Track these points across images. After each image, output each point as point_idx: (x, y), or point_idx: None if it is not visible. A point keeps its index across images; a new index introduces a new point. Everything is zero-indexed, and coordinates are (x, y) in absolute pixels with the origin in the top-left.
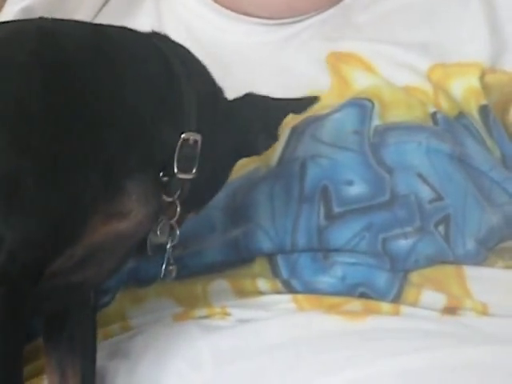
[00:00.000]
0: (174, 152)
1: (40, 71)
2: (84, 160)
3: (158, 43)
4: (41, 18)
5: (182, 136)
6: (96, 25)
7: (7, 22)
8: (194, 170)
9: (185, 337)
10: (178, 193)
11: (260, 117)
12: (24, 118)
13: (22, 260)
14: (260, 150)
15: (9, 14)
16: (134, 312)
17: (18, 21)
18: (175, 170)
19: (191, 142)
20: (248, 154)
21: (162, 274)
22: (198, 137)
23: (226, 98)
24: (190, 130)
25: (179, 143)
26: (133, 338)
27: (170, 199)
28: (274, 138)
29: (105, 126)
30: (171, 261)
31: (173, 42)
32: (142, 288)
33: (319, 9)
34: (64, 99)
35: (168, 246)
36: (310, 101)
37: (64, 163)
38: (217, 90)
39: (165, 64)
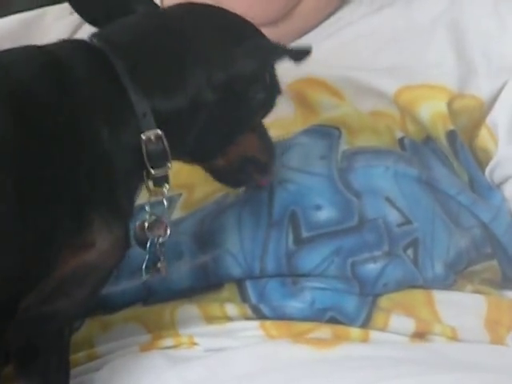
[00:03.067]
0: (143, 156)
1: (4, 109)
2: (54, 198)
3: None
4: None
5: (142, 138)
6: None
7: None
8: (168, 164)
9: (151, 369)
10: (167, 187)
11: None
12: None
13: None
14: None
15: None
16: (102, 339)
17: None
18: (152, 172)
19: (153, 139)
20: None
21: (148, 273)
22: (158, 132)
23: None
24: (149, 129)
25: (143, 146)
26: (99, 369)
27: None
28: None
29: (70, 162)
30: (161, 257)
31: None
32: (111, 314)
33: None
34: (32, 138)
35: (160, 241)
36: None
37: (35, 202)
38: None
39: (108, 76)
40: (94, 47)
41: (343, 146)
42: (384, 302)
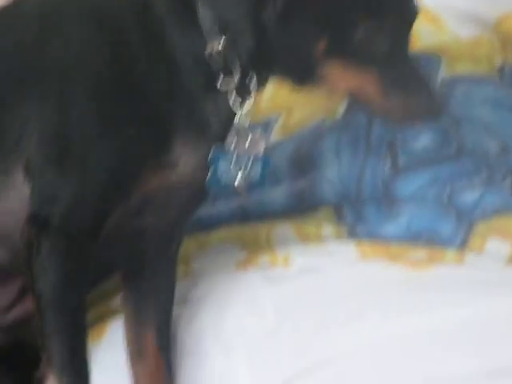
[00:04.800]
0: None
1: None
2: (133, 117)
3: None
4: None
5: (206, 51)
6: None
7: None
8: (236, 73)
9: (247, 286)
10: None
11: None
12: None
13: (79, 216)
14: None
15: None
16: (198, 256)
17: None
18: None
19: (215, 50)
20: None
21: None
22: (221, 39)
23: None
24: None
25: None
26: (195, 284)
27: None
28: None
29: (149, 75)
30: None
31: None
32: (207, 232)
33: None
34: (121, 61)
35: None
36: None
37: (114, 121)
38: None
39: None
40: None
41: (443, 73)
42: (480, 226)
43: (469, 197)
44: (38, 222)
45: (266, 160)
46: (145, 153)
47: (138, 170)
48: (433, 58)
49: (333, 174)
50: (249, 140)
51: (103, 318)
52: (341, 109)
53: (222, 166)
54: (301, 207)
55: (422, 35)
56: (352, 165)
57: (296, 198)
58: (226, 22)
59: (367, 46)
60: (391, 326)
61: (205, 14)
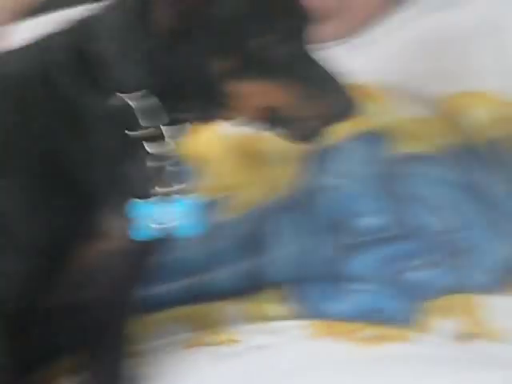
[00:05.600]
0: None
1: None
2: (55, 190)
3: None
4: None
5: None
6: None
7: None
8: (146, 124)
9: (195, 365)
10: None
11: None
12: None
13: (13, 294)
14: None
15: None
16: (146, 336)
17: None
18: (141, 124)
19: (122, 104)
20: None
21: None
22: (125, 93)
23: None
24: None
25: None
26: (142, 365)
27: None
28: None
29: (66, 152)
30: None
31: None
32: (155, 312)
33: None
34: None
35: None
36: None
37: (36, 196)
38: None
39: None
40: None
41: (387, 151)
42: (429, 304)
43: (415, 276)
44: None
45: (183, 203)
46: (73, 225)
47: (68, 243)
48: (377, 137)
49: (279, 253)
50: (171, 187)
51: None
52: (287, 187)
53: (147, 217)
54: (247, 287)
55: (367, 113)
56: (298, 244)
57: (243, 278)
58: (125, 75)
59: (267, 58)
60: None
61: (105, 71)
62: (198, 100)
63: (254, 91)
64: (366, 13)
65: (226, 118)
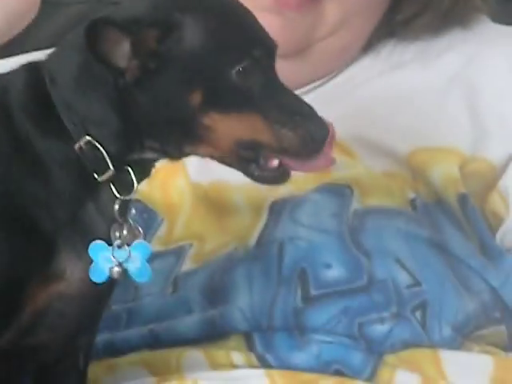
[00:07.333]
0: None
1: None
2: (9, 232)
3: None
4: None
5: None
6: None
7: None
8: (110, 167)
9: None
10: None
11: None
12: None
13: None
14: None
15: None
16: (107, 381)
17: None
18: (96, 177)
19: (84, 147)
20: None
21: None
22: (85, 136)
23: None
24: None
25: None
26: None
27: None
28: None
29: (24, 194)
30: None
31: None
32: (117, 358)
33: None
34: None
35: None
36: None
37: (4, 238)
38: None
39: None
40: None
41: (355, 204)
42: (390, 358)
43: (378, 329)
44: None
45: (143, 247)
46: (27, 267)
47: (22, 286)
48: (345, 189)
49: (244, 302)
50: (126, 229)
51: None
52: (253, 237)
53: (102, 259)
54: (212, 335)
55: (336, 166)
56: (263, 294)
57: (207, 326)
58: (87, 117)
59: (242, 89)
60: None
61: (65, 115)
62: (170, 136)
63: (231, 124)
64: (331, 57)
65: (200, 154)
